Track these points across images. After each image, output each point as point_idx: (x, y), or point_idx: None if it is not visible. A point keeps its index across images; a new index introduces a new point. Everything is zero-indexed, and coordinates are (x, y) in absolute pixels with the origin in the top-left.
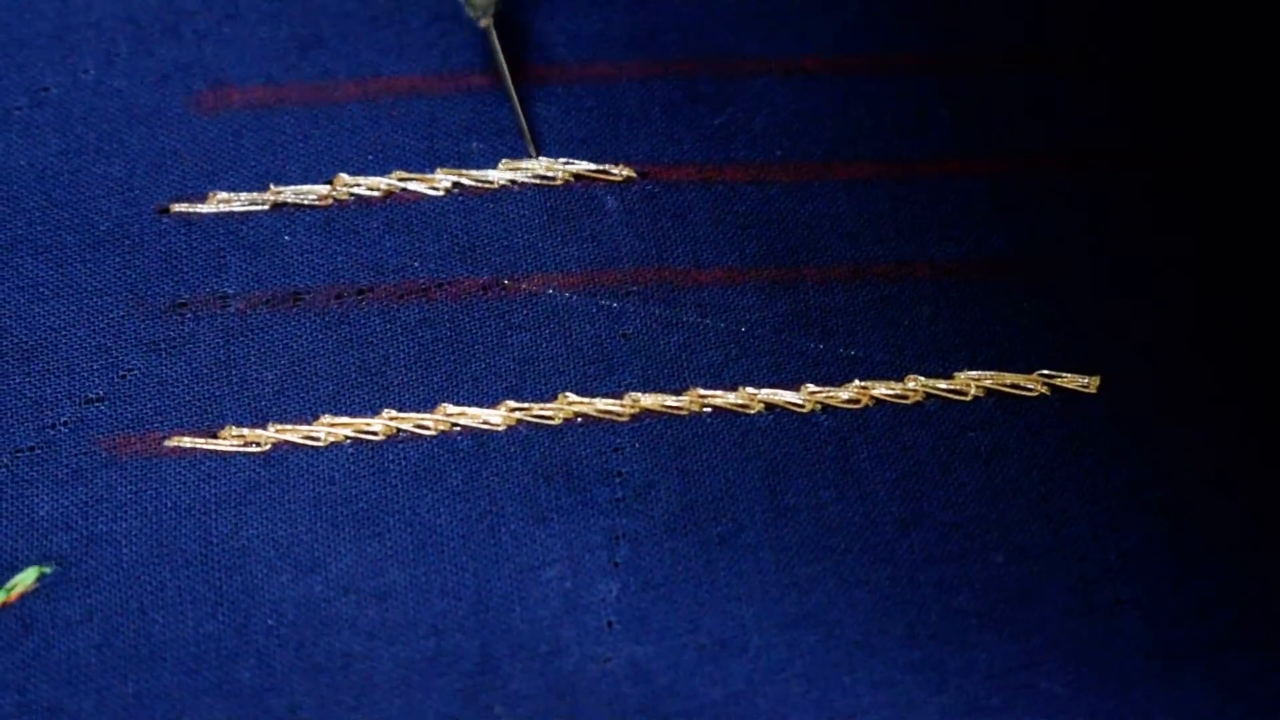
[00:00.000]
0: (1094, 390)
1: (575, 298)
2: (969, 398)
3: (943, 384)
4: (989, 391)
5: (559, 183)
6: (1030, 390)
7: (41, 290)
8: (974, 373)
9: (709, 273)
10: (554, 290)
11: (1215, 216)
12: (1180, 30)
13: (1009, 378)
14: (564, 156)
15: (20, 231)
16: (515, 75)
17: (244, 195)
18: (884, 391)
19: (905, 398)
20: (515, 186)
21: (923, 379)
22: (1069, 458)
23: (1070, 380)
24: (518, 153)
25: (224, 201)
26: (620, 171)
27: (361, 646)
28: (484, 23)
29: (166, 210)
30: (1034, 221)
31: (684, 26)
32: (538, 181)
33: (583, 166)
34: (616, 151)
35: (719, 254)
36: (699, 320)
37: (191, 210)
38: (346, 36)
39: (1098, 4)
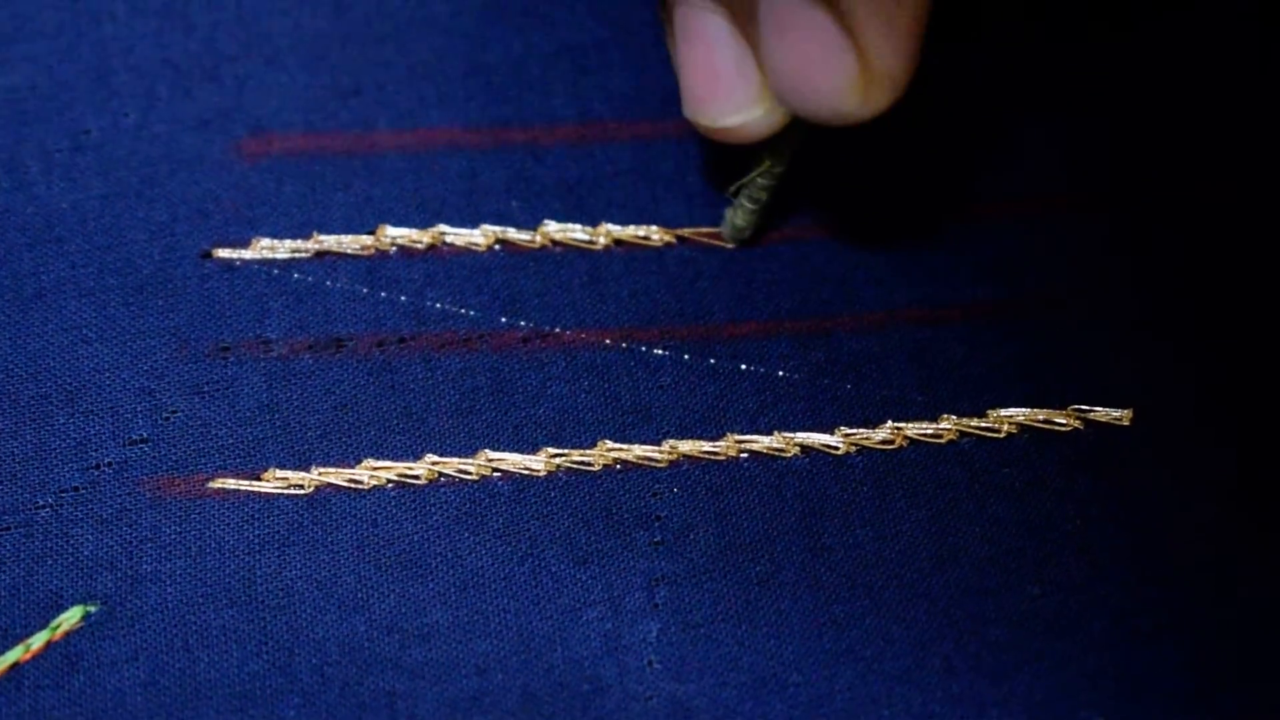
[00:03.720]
0: (1128, 423)
1: (613, 353)
2: (1003, 434)
3: (976, 422)
4: (1022, 428)
5: (599, 246)
6: (1064, 425)
7: (85, 333)
8: (1007, 410)
9: (744, 326)
10: (593, 344)
11: (1248, 249)
12: (1209, 66)
13: (1042, 413)
14: (604, 219)
15: (64, 274)
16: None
17: (287, 242)
18: (917, 431)
19: (939, 437)
20: (556, 247)
21: (956, 418)
22: (1104, 490)
23: (1103, 414)
24: (555, 214)
25: (267, 248)
26: (660, 238)
27: (405, 685)
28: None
29: (209, 255)
30: (1064, 259)
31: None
32: (579, 243)
33: (623, 233)
34: (656, 214)
35: (754, 309)
36: (734, 369)
37: (234, 256)
38: (385, 86)
39: (1125, 46)
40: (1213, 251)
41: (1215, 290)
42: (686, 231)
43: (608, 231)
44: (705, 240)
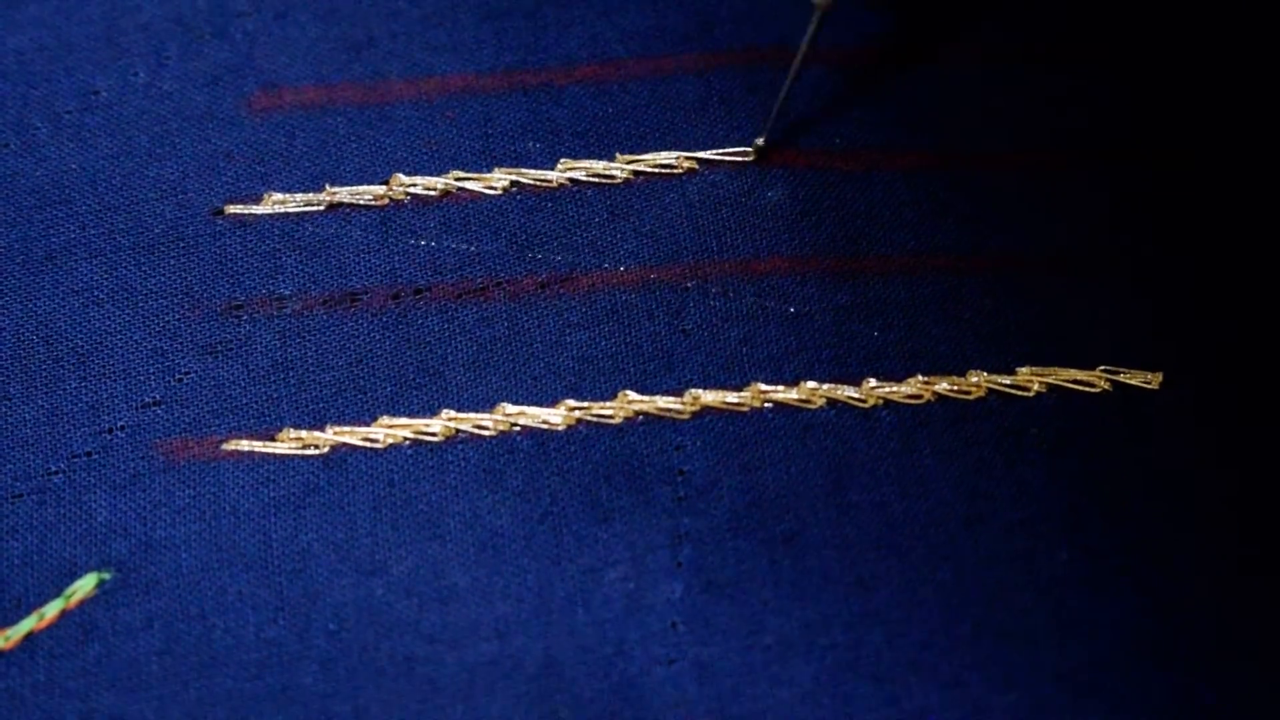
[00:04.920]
0: (1156, 386)
1: (634, 294)
2: (1031, 393)
3: (1005, 379)
4: (1051, 387)
5: (619, 180)
6: (1093, 386)
7: (96, 294)
8: (1036, 368)
9: (768, 262)
10: (613, 286)
11: None
12: (1236, 26)
13: (1071, 373)
14: (624, 151)
15: (74, 235)
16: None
17: (299, 196)
18: (946, 387)
19: (968, 393)
20: (573, 185)
21: (985, 374)
22: (1132, 454)
23: (1133, 376)
24: (574, 152)
25: (279, 203)
26: (682, 163)
27: (424, 650)
28: (823, 4)
29: (221, 212)
30: (1097, 216)
31: (740, 18)
32: (597, 180)
33: (643, 161)
34: (676, 142)
35: (778, 243)
36: (759, 310)
37: (246, 212)
38: (398, 36)
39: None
40: (1252, 215)
41: (1252, 256)
42: (709, 153)
43: (627, 162)
44: (729, 161)
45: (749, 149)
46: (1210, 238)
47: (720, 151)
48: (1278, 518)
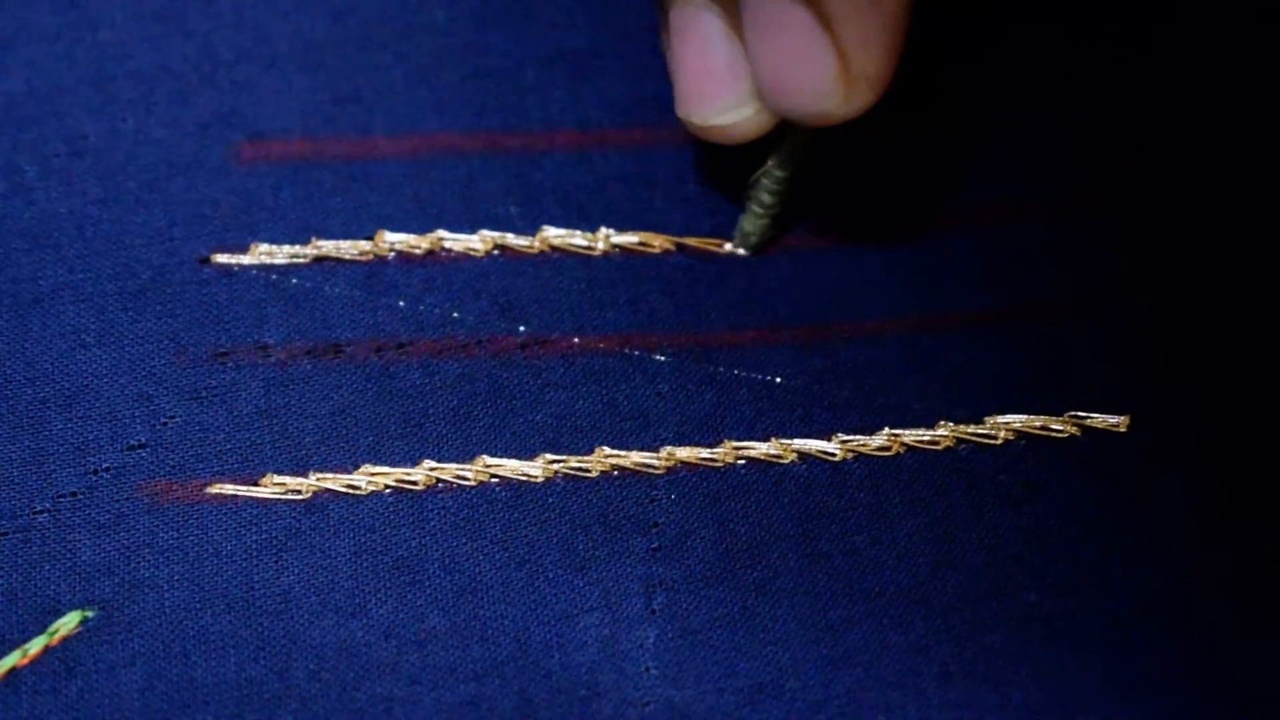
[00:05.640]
0: (1124, 429)
1: (611, 360)
2: (999, 441)
3: (973, 428)
4: (1019, 434)
5: (598, 253)
6: (1060, 431)
7: (83, 337)
8: (1004, 417)
9: (742, 334)
10: (591, 350)
11: (1248, 257)
12: (1217, 69)
13: (1039, 420)
14: (603, 223)
15: (61, 279)
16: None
17: (285, 248)
18: (915, 438)
19: (936, 444)
20: (554, 253)
21: (953, 425)
22: (1100, 496)
23: (1100, 421)
24: (554, 220)
25: (265, 254)
26: (659, 244)
27: (403, 691)
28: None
29: (208, 260)
30: (1061, 266)
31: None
32: (578, 249)
33: (622, 240)
34: (654, 218)
35: (752, 318)
36: (732, 376)
37: (233, 261)
38: (383, 91)
39: (1126, 46)
40: (1212, 259)
41: (1213, 298)
42: (686, 240)
43: (607, 237)
44: (705, 248)
45: (723, 241)
46: (1174, 283)
47: (697, 239)
48: (1246, 557)
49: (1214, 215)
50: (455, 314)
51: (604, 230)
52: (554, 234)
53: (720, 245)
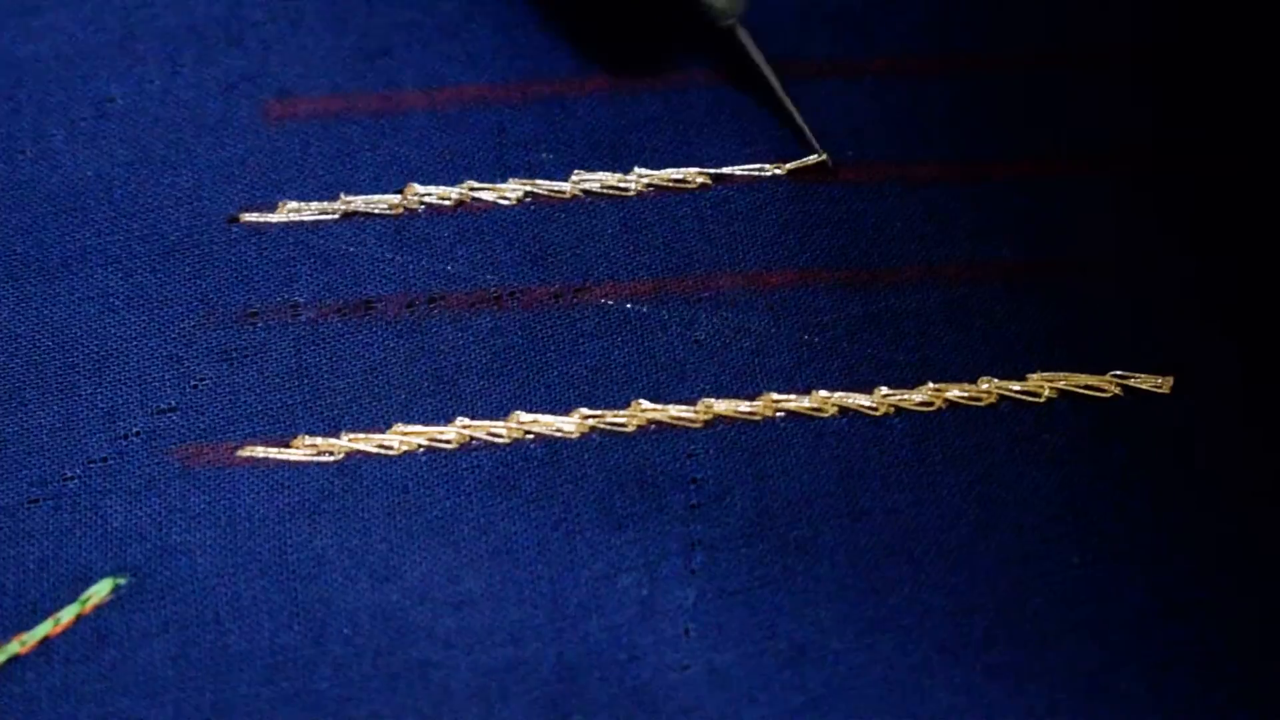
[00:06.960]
0: (1167, 390)
1: (647, 306)
2: (1042, 399)
3: (1016, 386)
4: (1062, 393)
5: (632, 193)
6: (1103, 391)
7: (112, 301)
8: (1047, 374)
9: (780, 274)
10: (626, 297)
11: None
12: (1249, 26)
13: (1082, 379)
14: (636, 165)
15: (89, 242)
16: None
17: (314, 205)
18: (957, 394)
19: (978, 400)
20: (587, 197)
21: (996, 381)
22: (1143, 458)
23: (1144, 380)
24: (587, 163)
25: (294, 211)
26: (695, 178)
27: (439, 655)
28: (727, 24)
29: (236, 220)
30: (1107, 221)
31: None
32: (611, 192)
33: (657, 175)
34: (688, 155)
35: (790, 255)
36: (771, 322)
37: (261, 220)
38: (412, 45)
39: (1175, 2)
40: (1259, 216)
41: (1261, 257)
42: (724, 170)
43: (640, 177)
44: (743, 177)
45: (763, 165)
46: (1220, 241)
47: (734, 167)
48: None
49: (1261, 172)
50: (492, 266)
51: (638, 170)
52: (587, 177)
53: (761, 169)
